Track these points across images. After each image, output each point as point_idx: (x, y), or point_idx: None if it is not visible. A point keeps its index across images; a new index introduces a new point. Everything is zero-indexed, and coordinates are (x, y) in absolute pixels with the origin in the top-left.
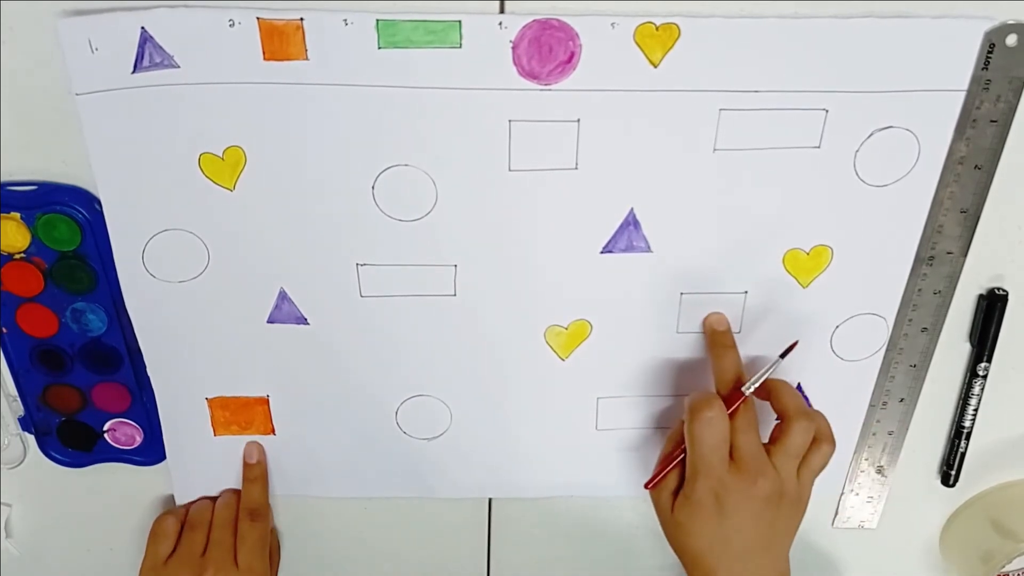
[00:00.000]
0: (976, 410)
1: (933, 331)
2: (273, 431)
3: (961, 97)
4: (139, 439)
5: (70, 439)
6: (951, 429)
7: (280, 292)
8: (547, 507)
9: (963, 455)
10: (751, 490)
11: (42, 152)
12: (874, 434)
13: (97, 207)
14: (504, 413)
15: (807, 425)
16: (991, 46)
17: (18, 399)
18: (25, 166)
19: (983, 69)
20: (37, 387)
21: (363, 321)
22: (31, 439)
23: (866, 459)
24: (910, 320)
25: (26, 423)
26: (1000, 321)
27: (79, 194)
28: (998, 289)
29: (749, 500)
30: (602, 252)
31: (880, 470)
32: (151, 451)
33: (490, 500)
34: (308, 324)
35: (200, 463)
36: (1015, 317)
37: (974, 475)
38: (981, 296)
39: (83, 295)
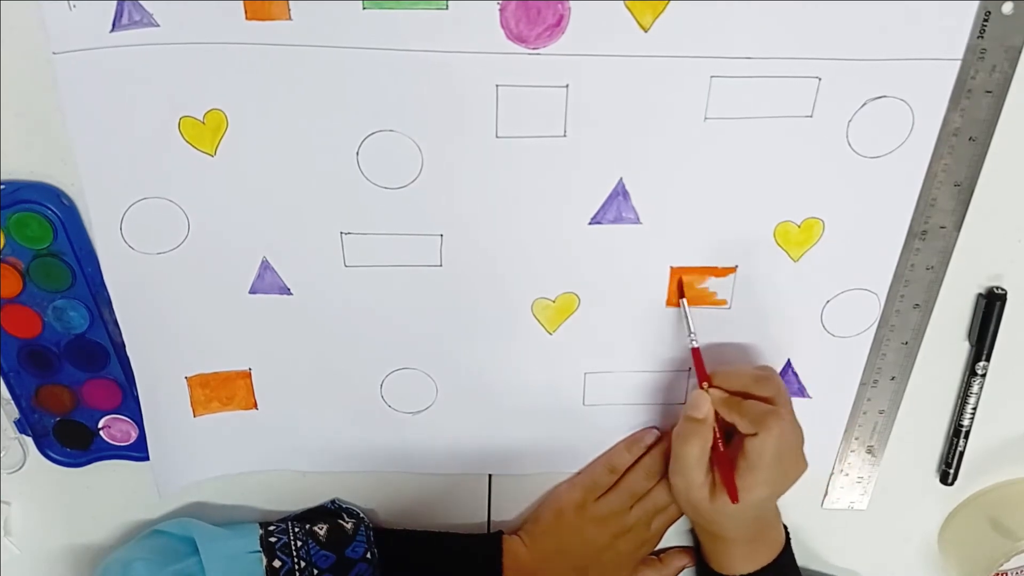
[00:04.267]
0: (975, 409)
1: (925, 308)
2: (255, 405)
3: (956, 66)
4: (134, 435)
5: (67, 439)
6: (950, 428)
7: (263, 261)
8: (546, 482)
9: (961, 454)
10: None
11: (8, 150)
12: (865, 413)
13: (66, 202)
14: (490, 387)
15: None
16: (987, 14)
17: (11, 402)
18: None
19: (978, 38)
20: (29, 389)
21: (347, 291)
22: (30, 441)
23: (856, 439)
24: (902, 296)
25: (22, 425)
26: (999, 320)
27: (47, 191)
28: (997, 288)
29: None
30: (590, 223)
31: (871, 450)
32: (147, 446)
33: (490, 476)
34: (291, 294)
35: (180, 448)
36: (1014, 316)
37: (973, 474)
38: (980, 295)
39: (62, 292)
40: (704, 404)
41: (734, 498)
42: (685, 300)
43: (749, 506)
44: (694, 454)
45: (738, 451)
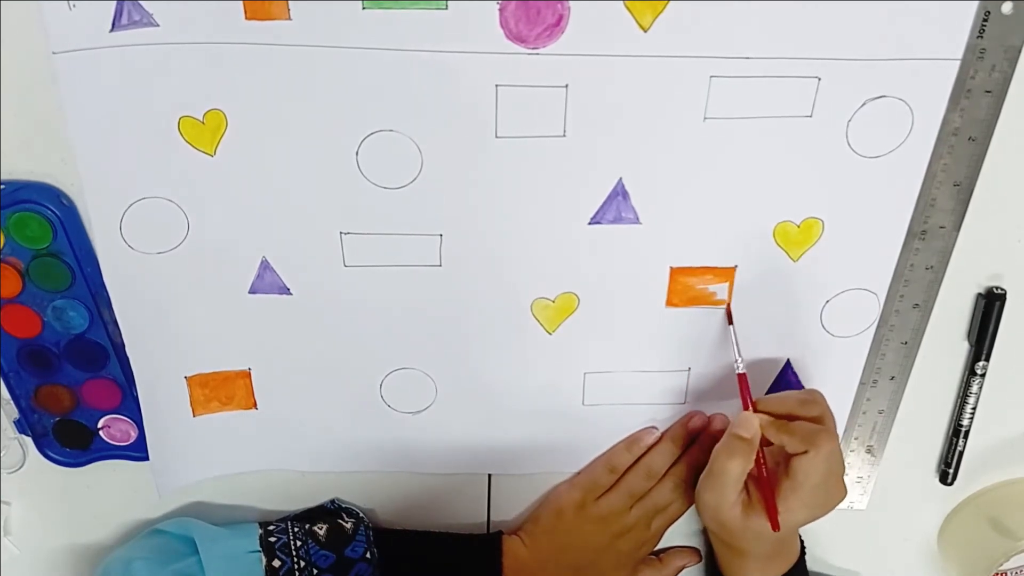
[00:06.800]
0: (974, 409)
1: (925, 308)
2: (255, 405)
3: (955, 66)
4: (134, 435)
5: (66, 439)
6: (949, 428)
7: (262, 261)
8: (546, 482)
9: (961, 454)
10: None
11: (8, 150)
12: (864, 413)
13: (65, 203)
14: (490, 387)
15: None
16: (986, 14)
17: (11, 402)
18: None
19: (978, 37)
20: (28, 388)
21: (347, 291)
22: (29, 441)
23: (856, 438)
24: (901, 296)
25: (22, 425)
26: (998, 320)
27: (46, 191)
28: (996, 288)
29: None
30: (590, 223)
31: (870, 450)
32: (147, 446)
33: (490, 476)
34: (291, 294)
35: (180, 448)
36: (1013, 316)
37: (972, 474)
38: (979, 295)
39: (62, 292)
40: (752, 424)
41: (775, 525)
42: (733, 327)
43: (783, 528)
44: (735, 473)
45: (779, 475)
